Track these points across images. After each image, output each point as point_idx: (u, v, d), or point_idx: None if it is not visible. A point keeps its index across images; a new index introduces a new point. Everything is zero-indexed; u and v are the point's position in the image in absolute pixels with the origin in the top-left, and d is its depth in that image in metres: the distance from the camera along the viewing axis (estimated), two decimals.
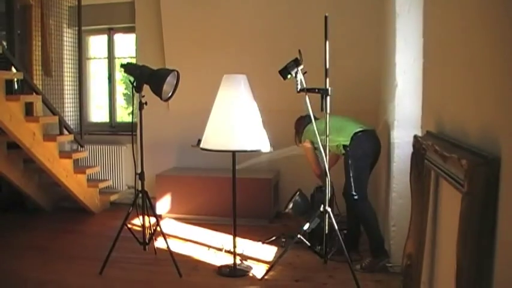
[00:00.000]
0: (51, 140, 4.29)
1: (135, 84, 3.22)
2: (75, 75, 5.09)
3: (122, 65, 3.30)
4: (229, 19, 4.71)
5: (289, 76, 3.06)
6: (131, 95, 3.34)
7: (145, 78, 3.21)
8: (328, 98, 3.10)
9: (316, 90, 3.10)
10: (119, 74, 5.66)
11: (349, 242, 3.29)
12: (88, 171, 4.87)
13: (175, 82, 3.30)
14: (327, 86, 3.14)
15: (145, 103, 3.27)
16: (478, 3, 1.43)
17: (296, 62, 3.06)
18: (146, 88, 3.24)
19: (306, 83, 3.10)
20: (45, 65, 4.74)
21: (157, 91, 3.20)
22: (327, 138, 3.16)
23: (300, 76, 3.07)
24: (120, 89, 5.91)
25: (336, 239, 3.22)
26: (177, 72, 3.29)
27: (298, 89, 3.07)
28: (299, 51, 3.06)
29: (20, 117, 3.87)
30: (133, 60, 5.52)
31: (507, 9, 1.16)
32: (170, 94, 3.31)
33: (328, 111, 3.12)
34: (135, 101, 3.29)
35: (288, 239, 3.84)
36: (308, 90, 3.07)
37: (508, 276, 1.13)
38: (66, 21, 5.17)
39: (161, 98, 3.25)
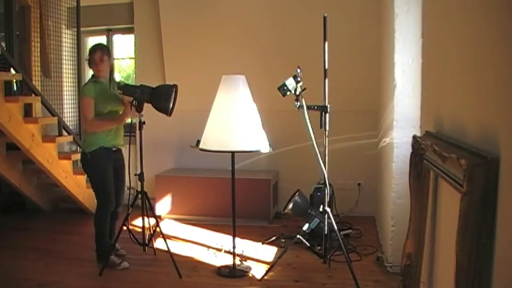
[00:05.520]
0: (50, 141, 4.28)
1: (135, 104, 3.23)
2: (74, 76, 5.08)
3: (120, 87, 3.31)
4: (228, 20, 4.71)
5: (288, 93, 3.07)
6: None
7: (146, 97, 3.23)
8: (327, 115, 3.11)
9: (315, 108, 3.11)
10: (118, 75, 5.66)
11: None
12: None
13: (174, 95, 3.31)
14: (326, 88, 3.15)
15: (144, 122, 3.32)
16: (477, 2, 1.44)
17: (295, 79, 3.06)
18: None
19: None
20: (44, 66, 4.73)
21: (164, 109, 3.24)
22: (326, 139, 3.16)
23: (299, 92, 3.07)
24: None
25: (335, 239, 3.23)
26: (176, 86, 3.32)
27: (297, 106, 3.08)
28: (298, 67, 3.07)
29: (19, 118, 3.87)
30: (132, 61, 5.54)
31: (507, 8, 1.16)
32: (171, 107, 3.32)
33: (327, 128, 3.13)
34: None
35: (287, 239, 3.84)
36: (307, 108, 3.08)
37: (507, 276, 1.13)
38: (65, 22, 5.17)
39: (169, 115, 3.28)
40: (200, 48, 4.85)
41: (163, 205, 4.73)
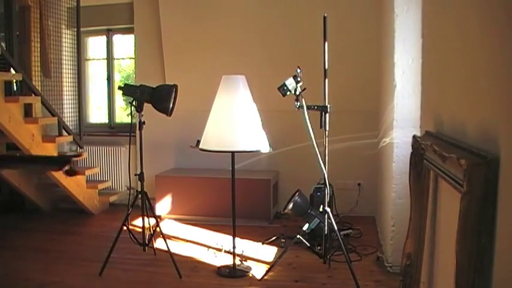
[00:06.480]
0: (50, 141, 4.28)
1: (135, 104, 3.25)
2: (74, 76, 5.08)
3: (120, 87, 3.32)
4: (228, 20, 4.71)
5: (288, 93, 3.07)
6: (130, 114, 3.38)
7: (147, 97, 3.25)
8: (327, 115, 3.11)
9: (315, 108, 3.12)
10: (118, 75, 5.66)
11: None
12: (87, 172, 4.87)
13: (174, 95, 3.32)
14: (326, 88, 3.15)
15: (144, 122, 3.33)
16: (477, 2, 1.44)
17: (295, 79, 3.06)
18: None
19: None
20: (44, 66, 4.73)
21: (164, 109, 3.25)
22: (326, 139, 3.16)
23: (299, 92, 3.08)
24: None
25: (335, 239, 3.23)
26: (176, 86, 3.33)
27: (297, 106, 3.08)
28: (298, 67, 3.07)
29: (19, 119, 3.87)
30: (132, 61, 5.53)
31: (506, 8, 1.16)
32: (171, 107, 3.34)
33: (327, 128, 3.13)
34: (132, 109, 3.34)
35: (287, 239, 3.84)
36: (307, 108, 3.08)
37: (507, 276, 1.13)
38: (65, 22, 5.17)
39: (169, 115, 3.29)
40: (200, 48, 4.86)
41: (163, 205, 4.73)
